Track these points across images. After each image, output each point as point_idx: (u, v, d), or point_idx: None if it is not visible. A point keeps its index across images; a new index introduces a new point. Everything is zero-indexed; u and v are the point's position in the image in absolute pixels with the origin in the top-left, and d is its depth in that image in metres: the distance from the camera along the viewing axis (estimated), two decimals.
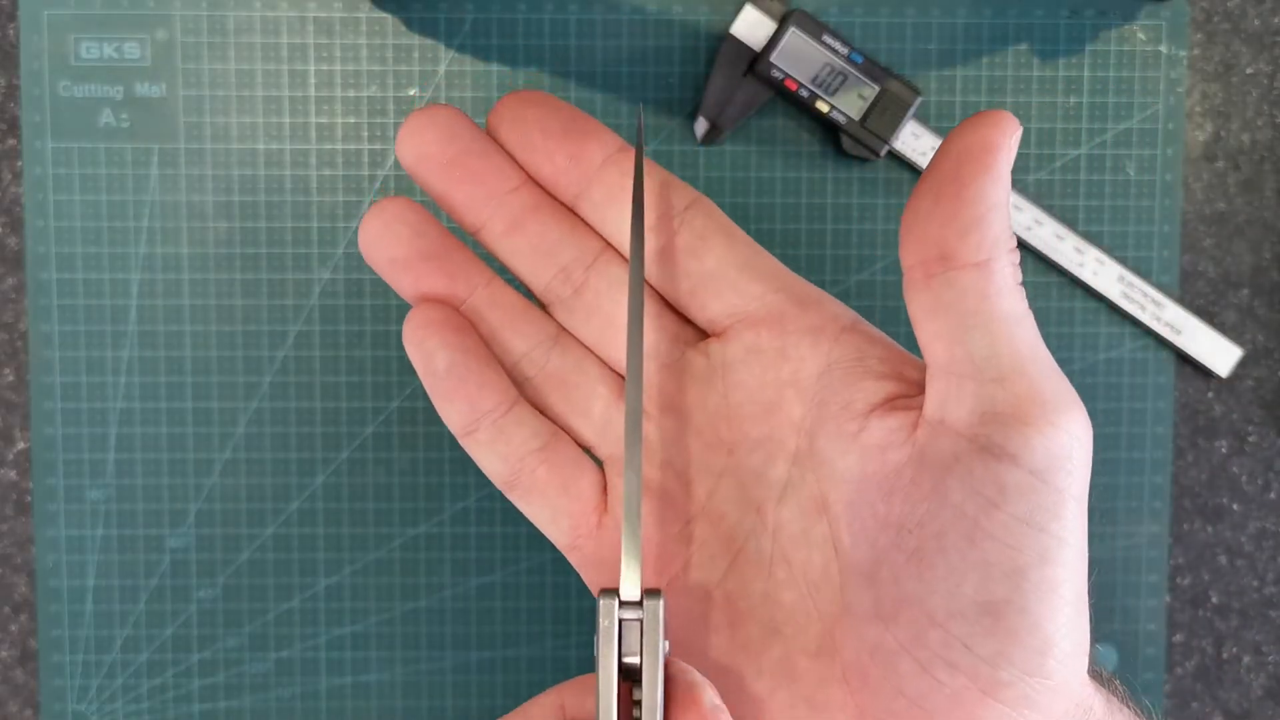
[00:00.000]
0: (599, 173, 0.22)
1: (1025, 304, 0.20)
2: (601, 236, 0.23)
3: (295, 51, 0.38)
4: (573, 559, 0.23)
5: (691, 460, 0.22)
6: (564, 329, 0.23)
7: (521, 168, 0.22)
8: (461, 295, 0.22)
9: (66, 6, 0.38)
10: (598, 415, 0.23)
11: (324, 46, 0.38)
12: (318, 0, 0.38)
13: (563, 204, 0.23)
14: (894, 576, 0.20)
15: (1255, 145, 0.39)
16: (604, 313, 0.22)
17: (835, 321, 0.22)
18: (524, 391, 0.23)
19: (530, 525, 0.39)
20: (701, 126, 0.38)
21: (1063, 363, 0.39)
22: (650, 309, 0.23)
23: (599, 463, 0.23)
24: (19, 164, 0.39)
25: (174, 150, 0.38)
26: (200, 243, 0.39)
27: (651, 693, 0.19)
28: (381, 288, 0.39)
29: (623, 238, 0.22)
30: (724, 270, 0.22)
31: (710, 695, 0.19)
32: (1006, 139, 0.19)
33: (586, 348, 0.23)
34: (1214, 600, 0.40)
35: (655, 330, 0.23)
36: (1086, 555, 0.20)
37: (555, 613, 0.39)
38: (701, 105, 0.38)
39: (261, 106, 0.38)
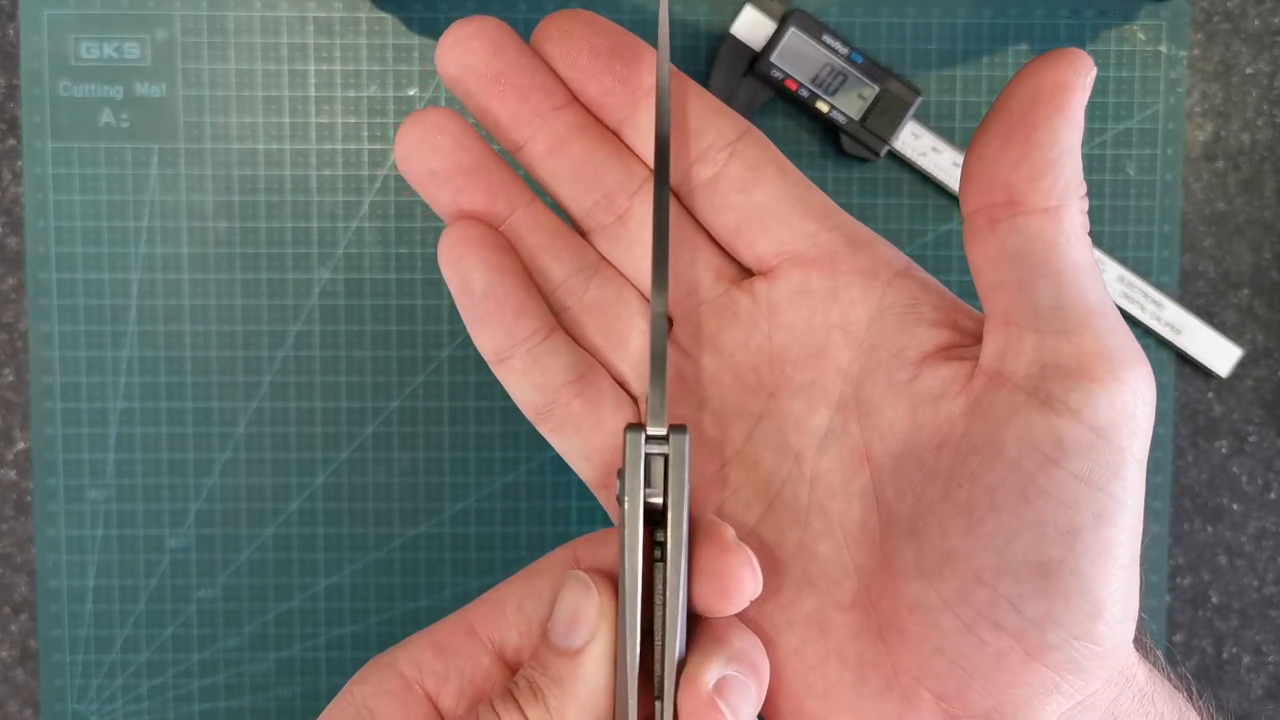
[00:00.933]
0: (646, 97, 0.21)
1: (1093, 255, 0.19)
2: (646, 165, 0.22)
3: (295, 51, 0.38)
4: (601, 497, 0.22)
5: (729, 402, 0.22)
6: (604, 258, 0.22)
7: (566, 86, 0.21)
8: (502, 214, 0.21)
9: (66, 6, 0.38)
10: (635, 349, 0.22)
11: (324, 46, 0.38)
12: (318, 0, 0.38)
13: (608, 128, 0.22)
14: (941, 531, 0.19)
15: (1255, 145, 0.39)
16: (646, 243, 0.21)
17: (889, 266, 0.21)
18: (560, 320, 0.22)
19: (530, 525, 0.39)
20: None
21: None
22: (694, 243, 0.22)
23: (634, 397, 0.22)
24: (19, 164, 0.39)
25: (174, 150, 0.38)
26: (200, 243, 0.39)
27: (678, 528, 0.19)
28: (382, 288, 0.39)
29: (676, 174, 0.21)
30: (775, 205, 0.21)
31: (730, 532, 0.19)
32: (1081, 79, 0.18)
33: (626, 278, 0.22)
34: (1214, 600, 0.40)
35: (698, 265, 0.22)
36: (1142, 518, 0.19)
37: None
38: None
39: (261, 106, 0.38)
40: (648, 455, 0.19)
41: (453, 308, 0.39)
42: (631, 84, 0.21)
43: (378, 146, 0.39)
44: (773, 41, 0.37)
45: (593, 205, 0.21)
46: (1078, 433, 0.18)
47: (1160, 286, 0.39)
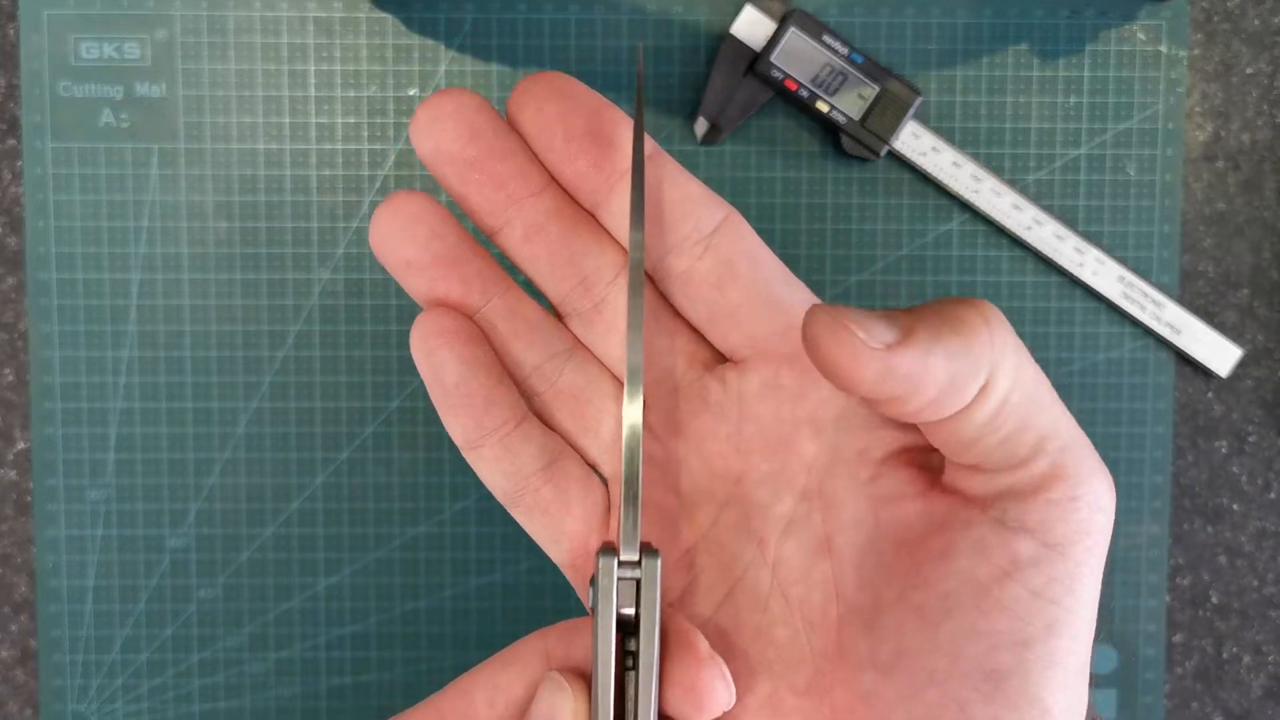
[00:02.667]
0: (621, 181, 0.21)
1: (1034, 374, 0.18)
2: (623, 250, 0.22)
3: (295, 51, 0.38)
4: (571, 577, 0.22)
5: (697, 487, 0.22)
6: (580, 341, 0.22)
7: (543, 166, 0.21)
8: (476, 303, 0.21)
9: (66, 6, 0.38)
10: (606, 434, 0.22)
11: (324, 46, 0.38)
12: (318, 0, 0.38)
13: (584, 210, 0.21)
14: (896, 628, 0.19)
15: (1255, 145, 0.39)
16: (622, 331, 0.21)
17: None
18: (532, 405, 0.22)
19: None
20: (701, 126, 0.38)
21: (1063, 363, 0.39)
22: (670, 329, 0.22)
23: (604, 480, 0.23)
24: (19, 164, 0.39)
25: (174, 150, 0.38)
26: (200, 243, 0.39)
27: (649, 642, 0.19)
28: (381, 288, 0.39)
29: (650, 260, 0.21)
30: (747, 302, 0.21)
31: (705, 644, 0.19)
32: (865, 358, 0.17)
33: (601, 363, 0.22)
34: (1214, 600, 0.40)
35: (671, 352, 0.22)
36: (1095, 620, 0.19)
37: (555, 613, 0.39)
38: (701, 105, 0.38)
39: (261, 106, 0.38)
40: (620, 578, 0.19)
41: None
42: (606, 169, 0.21)
43: (378, 146, 0.39)
44: (773, 41, 0.37)
45: (570, 291, 0.21)
46: (1033, 549, 0.18)
47: (1160, 286, 0.39)
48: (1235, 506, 0.40)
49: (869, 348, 0.17)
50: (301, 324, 0.39)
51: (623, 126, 0.21)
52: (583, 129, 0.20)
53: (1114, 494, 0.19)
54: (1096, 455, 0.19)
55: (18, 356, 0.39)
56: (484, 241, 0.24)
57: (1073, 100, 0.39)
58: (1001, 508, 0.19)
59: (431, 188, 0.39)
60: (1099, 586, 0.19)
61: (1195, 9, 0.39)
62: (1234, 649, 0.40)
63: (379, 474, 0.39)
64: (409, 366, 0.39)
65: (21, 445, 0.39)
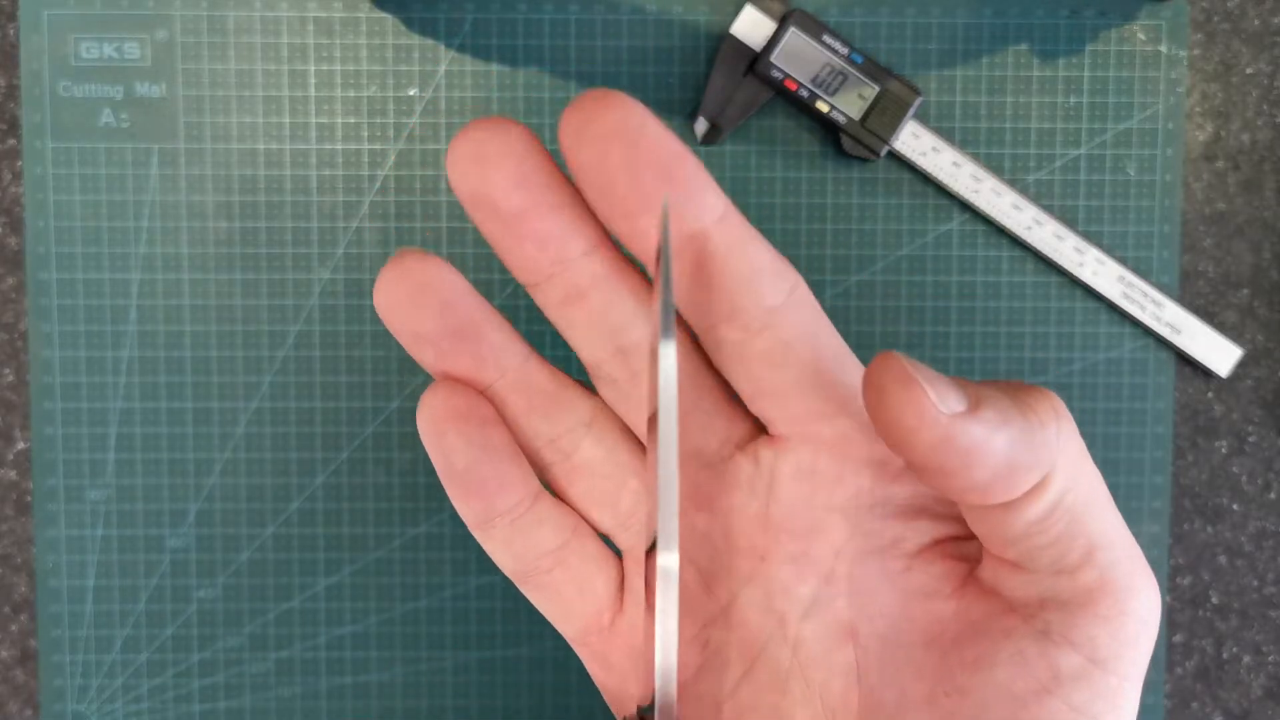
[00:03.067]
0: (687, 244, 0.18)
1: (1093, 478, 0.17)
2: (676, 318, 0.19)
3: (295, 51, 0.38)
4: (580, 652, 0.21)
5: (718, 562, 0.21)
6: (603, 407, 0.20)
7: (594, 218, 0.19)
8: (489, 378, 0.19)
9: (66, 6, 0.38)
10: (624, 507, 0.21)
11: (324, 46, 0.38)
12: (318, 0, 0.38)
13: (636, 271, 0.19)
14: None
15: (1255, 145, 0.39)
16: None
17: (897, 458, 0.20)
18: (545, 476, 0.20)
19: None
20: (701, 126, 0.38)
21: (1063, 363, 0.39)
22: (709, 406, 0.20)
23: (618, 552, 0.21)
24: (19, 164, 0.39)
25: (174, 150, 0.38)
26: (200, 243, 0.39)
27: None
28: None
29: (702, 324, 0.19)
30: (798, 385, 0.19)
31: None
32: (932, 416, 0.16)
33: (623, 433, 0.21)
34: (1214, 600, 0.40)
35: (705, 430, 0.20)
36: None
37: None
38: (701, 105, 0.38)
39: (261, 106, 0.38)
40: None
41: None
42: (672, 228, 0.18)
43: (378, 146, 0.39)
44: (773, 41, 0.37)
45: (606, 358, 0.19)
46: (1077, 664, 0.17)
47: (1160, 286, 0.39)
48: (1235, 506, 0.40)
49: (935, 410, 0.16)
50: (301, 324, 0.39)
51: (702, 183, 0.18)
52: (652, 182, 0.17)
53: (1158, 607, 0.18)
54: (1146, 565, 0.18)
55: (18, 356, 0.39)
56: (506, 283, 0.23)
57: (1073, 100, 0.39)
58: (1045, 619, 0.18)
59: (431, 187, 0.39)
60: (1139, 694, 0.18)
61: (1195, 9, 0.39)
62: (1234, 649, 0.40)
63: (379, 474, 0.39)
64: (409, 366, 0.39)
65: (21, 445, 0.39)
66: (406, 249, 0.19)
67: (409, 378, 0.39)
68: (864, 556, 0.20)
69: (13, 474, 0.39)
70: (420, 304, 0.18)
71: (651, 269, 0.18)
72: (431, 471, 0.39)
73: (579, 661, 0.39)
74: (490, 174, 0.17)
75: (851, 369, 0.19)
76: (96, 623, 0.39)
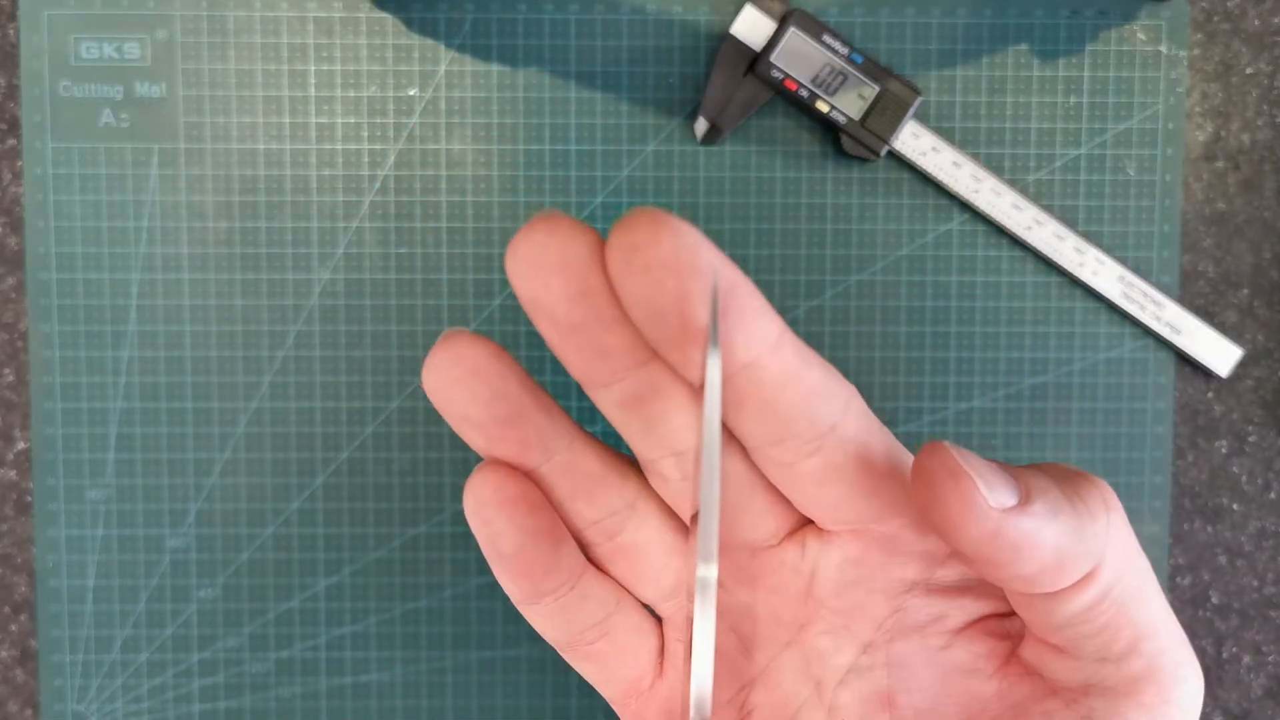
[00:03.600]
0: (739, 374, 0.17)
1: (1142, 568, 0.17)
2: (727, 428, 0.19)
3: (295, 51, 0.38)
4: (620, 712, 0.22)
5: (759, 630, 0.21)
6: (647, 488, 0.21)
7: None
8: (536, 461, 0.19)
9: (66, 6, 0.38)
10: (666, 585, 0.21)
11: (324, 46, 0.38)
12: (318, 0, 0.38)
13: (692, 386, 0.19)
14: None
15: (1255, 145, 0.39)
16: (706, 527, 0.20)
17: (945, 547, 0.20)
18: (588, 554, 0.21)
19: None
20: (701, 126, 0.38)
21: (1063, 363, 0.39)
22: (759, 508, 0.20)
23: (658, 618, 0.22)
24: (19, 164, 0.39)
25: (174, 150, 0.38)
26: (200, 243, 0.39)
27: None
28: (381, 288, 0.39)
29: (752, 444, 0.18)
30: (849, 497, 0.19)
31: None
32: (984, 509, 0.16)
33: (667, 517, 0.21)
34: (1214, 600, 0.40)
35: (754, 527, 0.20)
36: None
37: None
38: (701, 105, 0.38)
39: (261, 106, 0.38)
40: None
41: (452, 308, 0.39)
42: (726, 358, 0.17)
43: (378, 146, 0.39)
44: (773, 41, 0.37)
45: (659, 458, 0.19)
46: None
47: (1160, 286, 0.39)
48: (1235, 506, 0.40)
49: (986, 505, 0.16)
50: (301, 324, 0.39)
51: (756, 312, 0.17)
52: (705, 316, 0.16)
53: (1200, 695, 0.18)
54: (1192, 654, 0.18)
55: (18, 356, 0.39)
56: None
57: (1073, 100, 0.39)
58: (1089, 705, 0.18)
59: (431, 187, 0.39)
60: None
61: (1195, 9, 0.39)
62: (1234, 649, 0.40)
63: (379, 474, 0.39)
64: (409, 366, 0.39)
65: (21, 445, 0.39)
66: (455, 331, 0.18)
67: (409, 378, 0.39)
68: (905, 632, 0.20)
69: (13, 474, 0.39)
70: (471, 390, 0.18)
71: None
72: (431, 472, 0.39)
73: None
74: (551, 282, 0.17)
75: (903, 466, 0.19)
76: (96, 623, 0.39)
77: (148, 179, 0.38)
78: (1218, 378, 0.39)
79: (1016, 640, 0.19)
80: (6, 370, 0.39)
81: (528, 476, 0.19)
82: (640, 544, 0.20)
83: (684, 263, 0.16)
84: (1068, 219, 0.39)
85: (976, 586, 0.19)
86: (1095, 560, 0.16)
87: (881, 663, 0.20)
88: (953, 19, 0.39)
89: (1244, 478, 0.40)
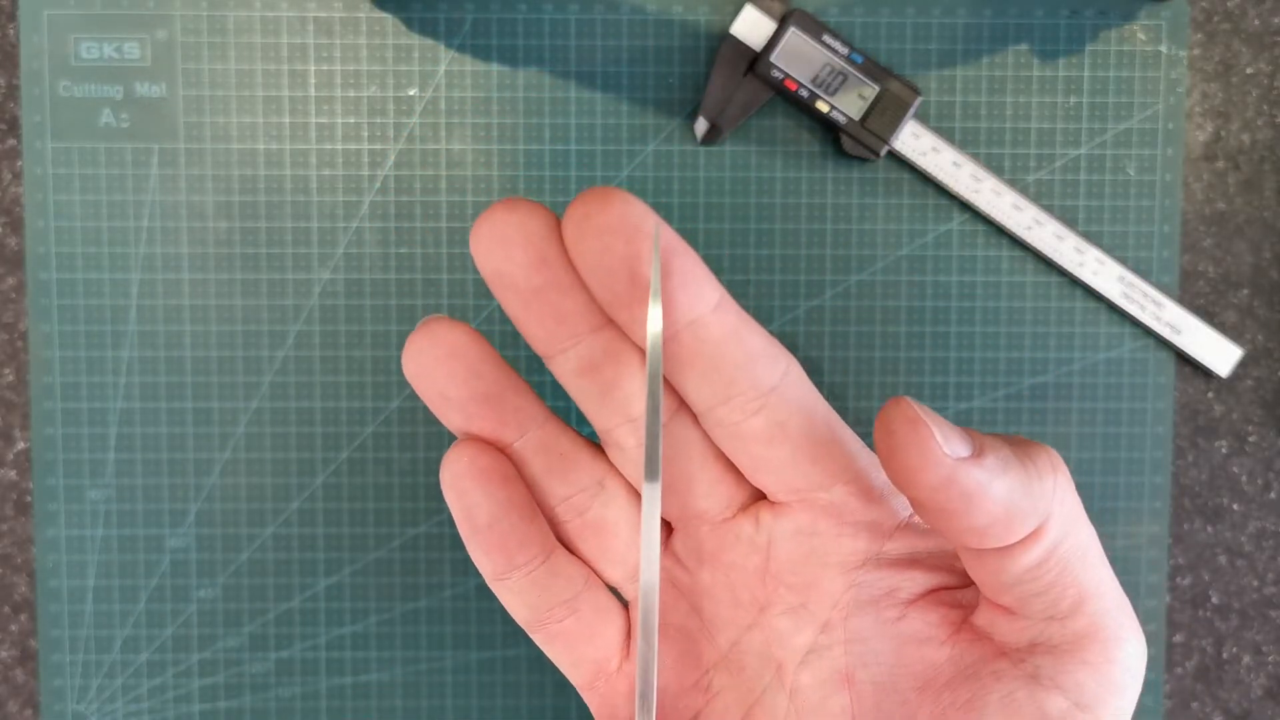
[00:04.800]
0: (684, 332, 0.19)
1: (1087, 531, 0.18)
2: (678, 395, 0.20)
3: (295, 51, 0.38)
4: (586, 698, 0.23)
5: (720, 613, 0.22)
6: (613, 469, 0.22)
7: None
8: (510, 438, 0.21)
9: (66, 6, 0.38)
10: (633, 563, 0.22)
11: (324, 46, 0.38)
12: (318, 0, 0.38)
13: (642, 352, 0.20)
14: None
15: (1255, 145, 0.39)
16: (665, 473, 0.21)
17: (894, 517, 0.21)
18: (557, 532, 0.22)
19: None
20: (701, 126, 0.38)
21: (1063, 363, 0.39)
22: (711, 477, 0.21)
23: (624, 603, 0.22)
24: (19, 164, 0.39)
25: (174, 150, 0.38)
26: (200, 243, 0.39)
27: None
28: (381, 288, 0.39)
29: (700, 407, 0.20)
30: (794, 459, 0.20)
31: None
32: (936, 457, 0.17)
33: (634, 491, 0.22)
34: (1214, 600, 0.40)
35: (708, 496, 0.21)
36: None
37: None
38: (701, 105, 0.38)
39: (261, 106, 0.38)
40: None
41: (452, 307, 0.39)
42: (669, 316, 0.19)
43: (378, 146, 0.39)
44: (773, 41, 0.37)
45: (616, 427, 0.21)
46: (1063, 709, 0.18)
47: (1160, 286, 0.39)
48: (1235, 506, 0.40)
49: (940, 453, 0.17)
50: (301, 324, 0.39)
51: (697, 275, 0.19)
52: (649, 275, 0.18)
53: (1144, 657, 0.19)
54: (1134, 617, 0.19)
55: (18, 356, 0.39)
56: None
57: (1073, 100, 0.39)
58: (1035, 663, 0.18)
59: (431, 187, 0.39)
60: None
61: (1195, 9, 0.39)
62: (1234, 649, 0.40)
63: (379, 474, 0.39)
64: None
65: (21, 445, 0.39)
66: (435, 317, 0.20)
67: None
68: (860, 607, 0.20)
69: (13, 474, 0.39)
70: (449, 369, 0.20)
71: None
72: (431, 472, 0.39)
73: None
74: (512, 253, 0.19)
75: (845, 438, 0.21)
76: (96, 623, 0.39)
77: (148, 179, 0.38)
78: (1218, 378, 0.39)
79: (967, 610, 0.20)
80: (6, 370, 0.39)
81: (502, 453, 0.20)
82: (608, 521, 0.21)
83: (631, 226, 0.18)
84: (1068, 219, 0.39)
85: (925, 559, 0.20)
86: (1042, 518, 0.17)
87: (840, 640, 0.21)
88: (953, 19, 0.39)
89: (1244, 478, 0.40)
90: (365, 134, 0.38)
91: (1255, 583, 0.40)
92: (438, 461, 0.39)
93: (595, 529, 0.21)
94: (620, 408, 0.20)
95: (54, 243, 0.38)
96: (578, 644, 0.22)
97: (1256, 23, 0.39)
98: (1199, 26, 0.39)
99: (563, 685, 0.40)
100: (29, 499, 0.39)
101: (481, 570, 0.21)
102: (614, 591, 0.22)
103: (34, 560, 0.39)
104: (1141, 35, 0.39)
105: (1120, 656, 0.18)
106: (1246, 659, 0.40)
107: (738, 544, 0.21)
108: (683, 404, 0.21)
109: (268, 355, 0.39)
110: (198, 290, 0.39)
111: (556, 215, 0.19)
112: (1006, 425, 0.39)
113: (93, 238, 0.38)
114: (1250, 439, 0.40)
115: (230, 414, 0.39)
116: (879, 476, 0.21)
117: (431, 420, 0.39)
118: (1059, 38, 0.39)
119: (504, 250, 0.19)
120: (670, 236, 0.19)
